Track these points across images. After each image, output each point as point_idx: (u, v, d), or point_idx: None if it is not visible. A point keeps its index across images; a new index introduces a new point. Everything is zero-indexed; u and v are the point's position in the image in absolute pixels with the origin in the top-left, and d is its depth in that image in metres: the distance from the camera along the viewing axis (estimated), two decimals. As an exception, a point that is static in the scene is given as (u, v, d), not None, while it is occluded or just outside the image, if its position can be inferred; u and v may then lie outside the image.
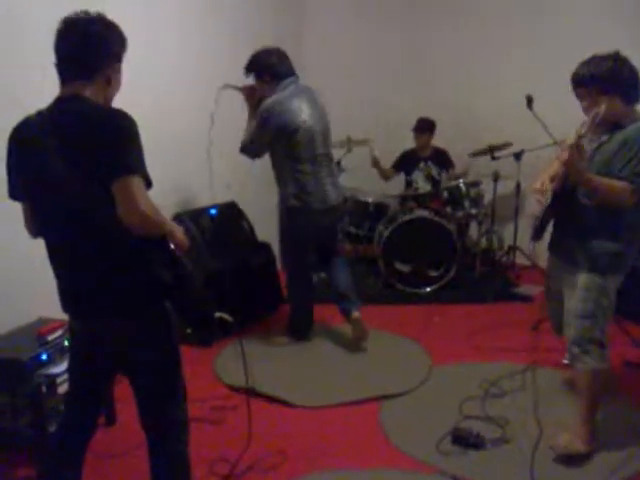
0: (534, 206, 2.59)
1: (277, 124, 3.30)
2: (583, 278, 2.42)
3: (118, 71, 1.79)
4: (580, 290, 2.43)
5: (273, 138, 3.38)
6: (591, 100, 2.33)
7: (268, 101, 3.33)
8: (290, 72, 3.42)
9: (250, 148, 3.50)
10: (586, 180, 2.29)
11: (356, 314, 3.58)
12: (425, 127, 5.19)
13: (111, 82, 1.77)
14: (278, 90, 3.35)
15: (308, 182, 3.39)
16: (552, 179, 2.48)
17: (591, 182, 2.29)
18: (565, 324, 2.53)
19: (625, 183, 2.26)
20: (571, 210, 2.43)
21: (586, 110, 2.37)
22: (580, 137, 2.23)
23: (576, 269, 2.45)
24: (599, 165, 2.34)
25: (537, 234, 2.54)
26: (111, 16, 1.79)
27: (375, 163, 5.19)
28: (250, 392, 2.52)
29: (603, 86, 2.29)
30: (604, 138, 2.36)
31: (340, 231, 3.90)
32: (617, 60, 2.31)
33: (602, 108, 2.20)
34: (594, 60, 2.34)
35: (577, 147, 2.23)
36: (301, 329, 3.79)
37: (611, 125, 2.35)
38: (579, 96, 2.41)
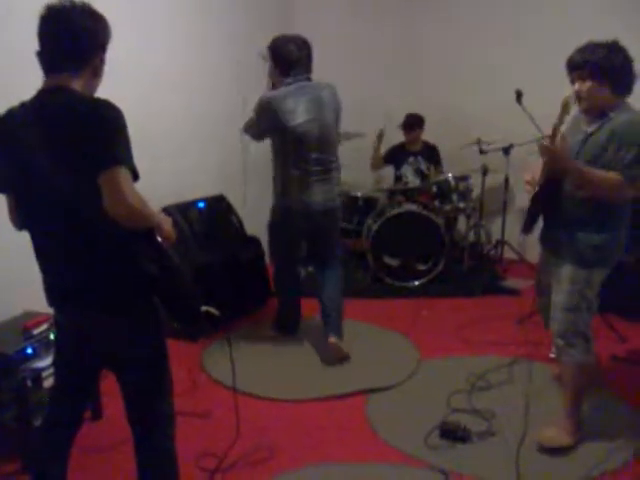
0: (526, 200, 2.60)
1: (269, 121, 3.23)
2: (569, 271, 2.43)
3: (104, 62, 1.76)
4: (565, 283, 2.44)
5: (268, 132, 3.33)
6: (583, 81, 2.33)
7: (267, 94, 3.25)
8: (301, 68, 3.23)
9: (250, 130, 3.40)
10: (571, 170, 2.31)
11: (332, 339, 3.40)
12: (414, 123, 5.19)
13: (98, 73, 1.74)
14: (283, 84, 3.22)
15: (292, 185, 3.27)
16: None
17: (578, 170, 2.30)
18: (551, 317, 2.54)
19: (616, 174, 2.26)
20: (558, 201, 2.44)
21: (577, 98, 2.38)
22: (555, 128, 2.28)
23: (563, 262, 2.46)
24: (589, 157, 2.34)
25: (527, 226, 2.55)
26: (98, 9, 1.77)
27: (379, 136, 5.18)
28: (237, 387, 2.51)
29: (595, 72, 2.29)
30: (592, 128, 2.37)
31: (334, 240, 3.57)
32: (612, 49, 2.30)
33: (571, 97, 2.26)
34: (590, 46, 2.33)
35: (554, 136, 2.27)
36: (288, 324, 3.77)
37: (599, 113, 2.35)
38: (572, 81, 2.40)
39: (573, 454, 2.50)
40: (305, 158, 3.25)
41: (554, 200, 2.44)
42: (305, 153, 3.24)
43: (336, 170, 3.42)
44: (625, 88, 2.34)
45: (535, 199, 2.47)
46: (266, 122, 3.25)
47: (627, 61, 2.31)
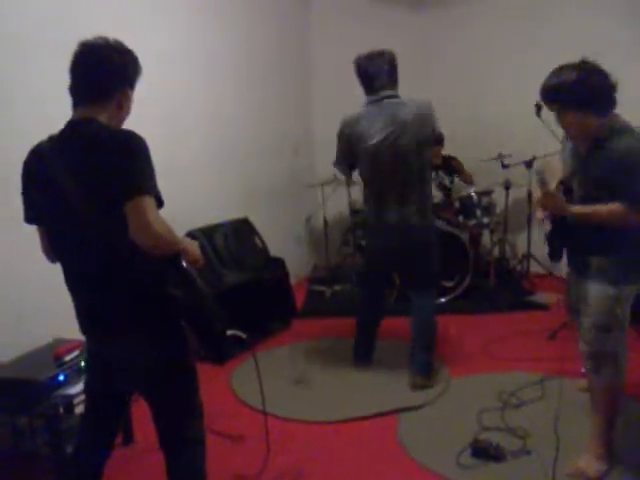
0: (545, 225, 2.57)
1: (345, 144, 3.22)
2: (596, 290, 2.35)
3: (130, 97, 1.80)
4: (594, 302, 2.35)
5: (347, 157, 3.27)
6: (562, 113, 2.25)
7: (343, 118, 3.23)
8: (381, 88, 3.13)
9: (336, 163, 3.35)
10: (573, 215, 2.27)
11: (415, 380, 3.27)
12: (439, 138, 5.18)
13: (122, 107, 1.78)
14: (364, 105, 3.19)
15: (369, 203, 3.30)
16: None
17: (579, 215, 2.26)
18: (580, 338, 2.46)
19: (618, 204, 2.18)
20: (575, 232, 2.36)
21: (560, 123, 2.31)
22: (545, 192, 2.26)
23: (590, 280, 2.38)
24: (590, 182, 2.28)
25: (553, 256, 2.48)
26: (122, 35, 1.81)
27: None
28: (266, 411, 2.51)
29: (571, 101, 2.19)
30: (588, 152, 2.29)
31: (422, 268, 3.35)
32: (583, 70, 2.17)
33: (543, 174, 2.31)
34: (559, 73, 2.23)
35: (548, 196, 2.26)
36: (356, 350, 3.60)
37: (591, 138, 2.26)
38: (551, 110, 2.31)
39: (609, 474, 2.42)
40: (380, 177, 3.19)
41: (570, 232, 2.37)
42: (379, 174, 3.18)
43: (419, 193, 3.19)
44: (607, 106, 2.22)
45: (552, 234, 2.43)
46: (343, 148, 3.23)
47: (602, 78, 2.17)
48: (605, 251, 2.32)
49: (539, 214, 2.51)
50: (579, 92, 2.17)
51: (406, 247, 3.26)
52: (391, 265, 3.54)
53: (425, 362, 3.30)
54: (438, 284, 3.42)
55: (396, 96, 3.17)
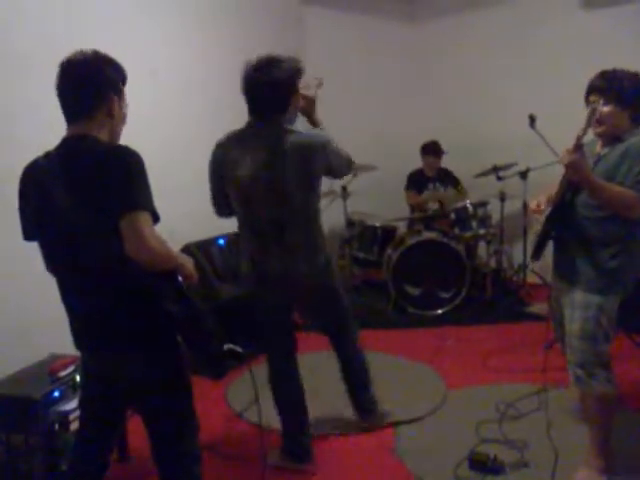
0: (536, 225, 2.55)
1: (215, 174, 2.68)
2: (582, 297, 2.35)
3: (118, 102, 1.79)
4: (579, 310, 2.35)
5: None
6: (605, 102, 2.30)
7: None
8: (258, 109, 2.52)
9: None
10: (589, 180, 2.23)
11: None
12: (436, 149, 5.23)
13: (113, 114, 1.77)
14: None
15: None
16: (549, 200, 2.46)
17: (594, 183, 2.23)
18: (567, 346, 2.44)
19: (631, 191, 2.22)
20: (570, 227, 2.39)
21: (597, 121, 2.32)
22: (579, 136, 2.22)
23: (575, 288, 2.38)
24: (601, 176, 2.30)
25: (536, 252, 2.48)
26: (119, 51, 1.83)
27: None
28: (263, 426, 2.49)
29: (620, 98, 2.27)
30: (605, 150, 2.35)
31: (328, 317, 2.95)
32: (637, 78, 2.30)
33: (600, 104, 2.22)
34: (616, 72, 2.33)
35: (577, 146, 2.22)
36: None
37: (613, 138, 2.33)
38: (592, 99, 2.35)
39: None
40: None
41: (566, 225, 2.39)
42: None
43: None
44: None
45: (548, 220, 2.42)
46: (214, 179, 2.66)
47: None
48: (599, 250, 2.33)
49: (533, 205, 2.52)
50: (631, 92, 2.28)
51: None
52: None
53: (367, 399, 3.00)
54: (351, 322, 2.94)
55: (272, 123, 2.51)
